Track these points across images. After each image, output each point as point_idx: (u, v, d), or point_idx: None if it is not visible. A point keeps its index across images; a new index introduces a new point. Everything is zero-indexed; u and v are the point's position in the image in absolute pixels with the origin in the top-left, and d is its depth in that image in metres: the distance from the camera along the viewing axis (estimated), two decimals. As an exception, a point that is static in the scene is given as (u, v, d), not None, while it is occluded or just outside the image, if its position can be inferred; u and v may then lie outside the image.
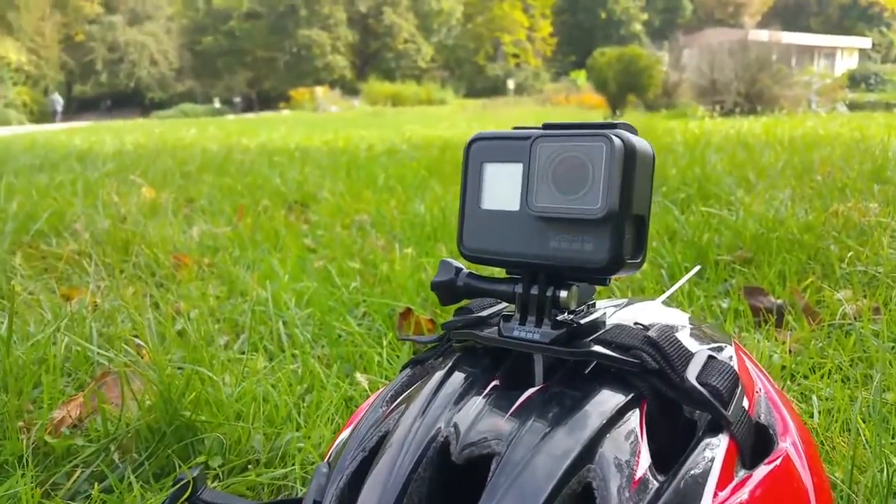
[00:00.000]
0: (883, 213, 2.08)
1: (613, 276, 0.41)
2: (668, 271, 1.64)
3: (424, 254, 1.85)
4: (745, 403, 0.43)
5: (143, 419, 0.96)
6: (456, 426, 0.37)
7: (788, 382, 1.16)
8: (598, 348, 0.40)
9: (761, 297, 1.46)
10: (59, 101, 36.47)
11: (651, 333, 0.41)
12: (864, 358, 1.23)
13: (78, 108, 44.84)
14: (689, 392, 0.39)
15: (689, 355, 0.41)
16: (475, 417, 0.38)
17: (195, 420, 0.93)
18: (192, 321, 1.46)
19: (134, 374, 1.09)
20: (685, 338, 0.50)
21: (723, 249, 1.74)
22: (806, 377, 1.19)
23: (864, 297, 1.50)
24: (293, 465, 0.89)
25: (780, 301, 1.45)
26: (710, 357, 0.42)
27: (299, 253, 1.94)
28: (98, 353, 1.18)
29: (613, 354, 0.40)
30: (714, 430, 0.39)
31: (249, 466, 0.92)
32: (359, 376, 1.11)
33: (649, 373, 0.39)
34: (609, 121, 0.41)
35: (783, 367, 1.19)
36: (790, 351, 1.29)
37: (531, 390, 0.39)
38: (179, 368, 1.18)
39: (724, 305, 1.47)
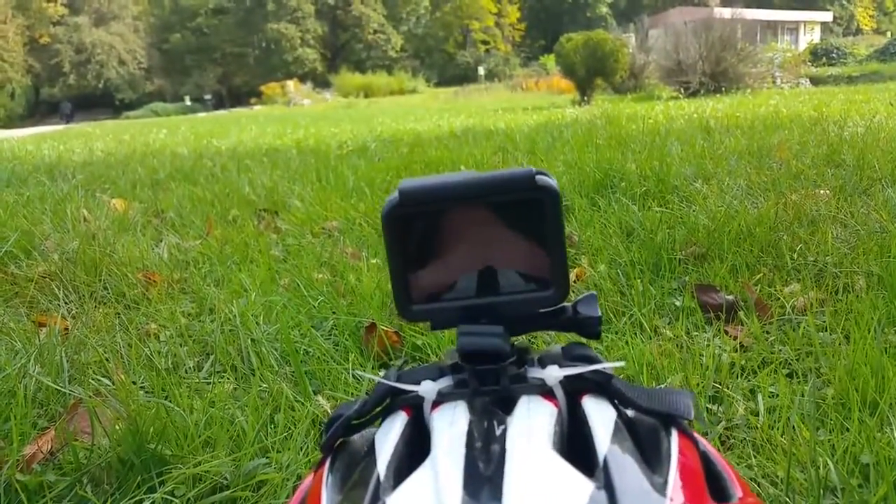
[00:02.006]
0: (833, 199, 2.15)
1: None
2: (625, 270, 1.69)
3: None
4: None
5: (114, 450, 0.99)
6: None
7: (738, 380, 1.21)
8: None
9: (713, 294, 1.52)
10: (67, 106, 41.02)
11: None
12: (811, 352, 1.29)
13: (46, 110, 44.21)
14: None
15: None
16: None
17: (162, 452, 0.96)
18: (163, 343, 1.49)
19: (105, 404, 1.12)
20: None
21: (677, 246, 1.79)
22: (755, 372, 1.24)
23: (813, 289, 1.56)
24: (262, 488, 0.93)
25: (731, 297, 1.50)
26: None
27: (269, 265, 1.97)
28: (69, 386, 1.21)
29: None
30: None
31: (218, 490, 0.95)
32: (321, 399, 1.15)
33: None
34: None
35: (732, 365, 1.25)
36: (742, 346, 1.34)
37: None
38: (150, 394, 1.22)
39: (678, 304, 1.52)
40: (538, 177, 0.35)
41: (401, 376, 0.39)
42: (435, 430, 0.33)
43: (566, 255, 0.36)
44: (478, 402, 0.34)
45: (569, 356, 0.37)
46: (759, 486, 0.93)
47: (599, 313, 0.38)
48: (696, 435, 0.35)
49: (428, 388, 0.36)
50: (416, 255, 0.37)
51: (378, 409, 0.38)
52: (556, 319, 0.39)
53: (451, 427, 0.32)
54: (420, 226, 0.37)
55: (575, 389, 0.36)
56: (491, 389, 0.35)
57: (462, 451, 0.30)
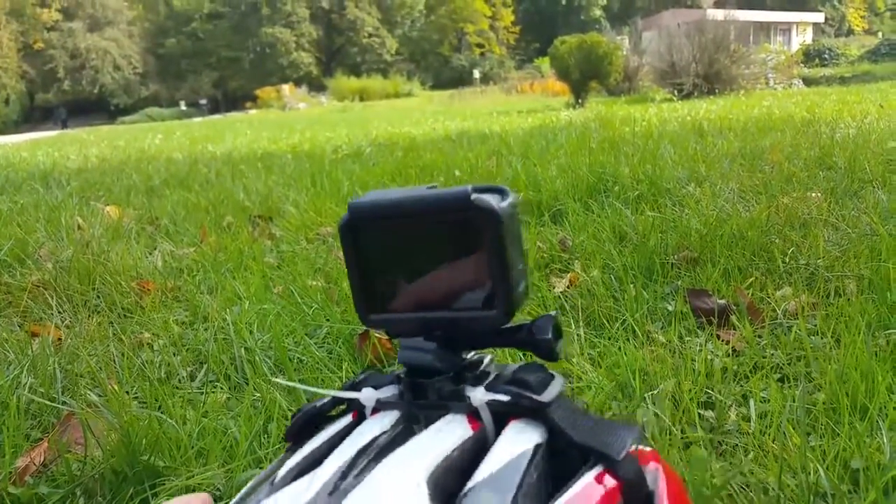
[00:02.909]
0: (825, 202, 2.16)
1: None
2: (617, 275, 1.70)
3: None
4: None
5: (107, 462, 0.99)
6: None
7: (730, 385, 1.22)
8: None
9: (705, 298, 1.52)
10: (63, 112, 41.39)
11: None
12: (802, 356, 1.29)
13: (41, 116, 44.18)
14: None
15: None
16: None
17: (155, 464, 0.96)
18: (156, 352, 1.49)
19: (98, 415, 1.12)
20: None
21: (669, 251, 1.80)
22: (747, 377, 1.25)
23: (805, 292, 1.57)
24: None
25: (723, 301, 1.51)
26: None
27: (263, 273, 1.97)
28: (62, 397, 1.21)
29: None
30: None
31: (212, 502, 0.96)
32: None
33: None
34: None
35: (724, 370, 1.25)
36: (734, 351, 1.35)
37: None
38: (143, 404, 1.22)
39: (670, 309, 1.52)
40: (475, 196, 0.34)
41: (364, 380, 0.40)
42: (350, 435, 0.35)
43: (511, 275, 0.34)
44: (407, 415, 0.36)
45: (514, 377, 0.36)
46: (751, 492, 0.93)
47: (551, 335, 0.37)
48: (647, 473, 0.33)
49: (367, 395, 0.38)
50: (375, 266, 0.38)
51: (339, 408, 0.40)
52: (512, 338, 0.38)
53: (360, 435, 0.34)
54: (373, 239, 0.38)
55: (509, 412, 0.35)
56: (424, 403, 0.36)
57: (349, 459, 0.31)
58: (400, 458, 0.31)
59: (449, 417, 0.35)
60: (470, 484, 0.29)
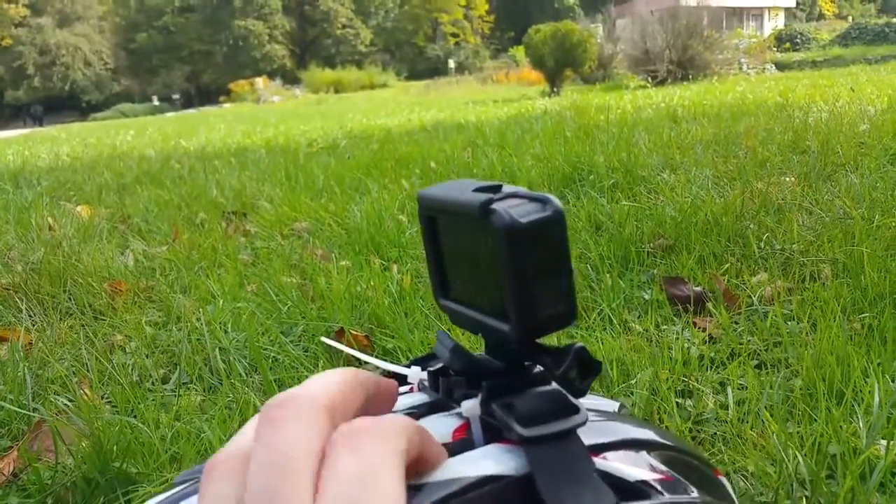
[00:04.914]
0: (798, 186, 2.17)
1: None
2: (594, 265, 1.70)
3: (359, 266, 1.88)
4: None
5: (79, 470, 0.97)
6: None
7: (707, 372, 1.22)
8: None
9: (681, 286, 1.52)
10: (38, 109, 41.27)
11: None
12: (779, 342, 1.30)
13: (11, 114, 43.51)
14: None
15: None
16: None
17: (127, 470, 0.95)
18: (129, 354, 1.46)
19: (69, 421, 1.10)
20: None
21: (645, 239, 1.80)
22: (724, 364, 1.25)
23: (781, 278, 1.57)
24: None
25: (699, 288, 1.51)
26: None
27: (237, 270, 1.95)
28: (32, 403, 1.18)
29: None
30: None
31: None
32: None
33: None
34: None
35: (701, 357, 1.25)
36: (710, 338, 1.35)
37: None
38: (115, 408, 1.20)
39: (647, 297, 1.52)
40: (494, 205, 0.31)
41: (425, 358, 0.42)
42: None
43: (525, 294, 0.31)
44: (431, 402, 0.36)
45: (530, 396, 0.33)
46: (730, 479, 0.93)
47: (575, 372, 0.33)
48: None
49: (413, 373, 0.38)
50: (444, 252, 0.37)
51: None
52: (539, 359, 0.35)
53: None
54: (439, 227, 0.37)
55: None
56: (438, 395, 0.36)
57: None
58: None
59: (441, 417, 0.34)
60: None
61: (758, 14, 34.66)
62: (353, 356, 1.36)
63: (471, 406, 0.33)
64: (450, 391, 0.35)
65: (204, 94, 45.39)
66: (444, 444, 0.31)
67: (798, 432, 1.00)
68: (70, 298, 1.83)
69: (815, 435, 0.96)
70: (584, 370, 0.33)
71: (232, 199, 3.05)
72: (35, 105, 42.05)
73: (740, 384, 1.16)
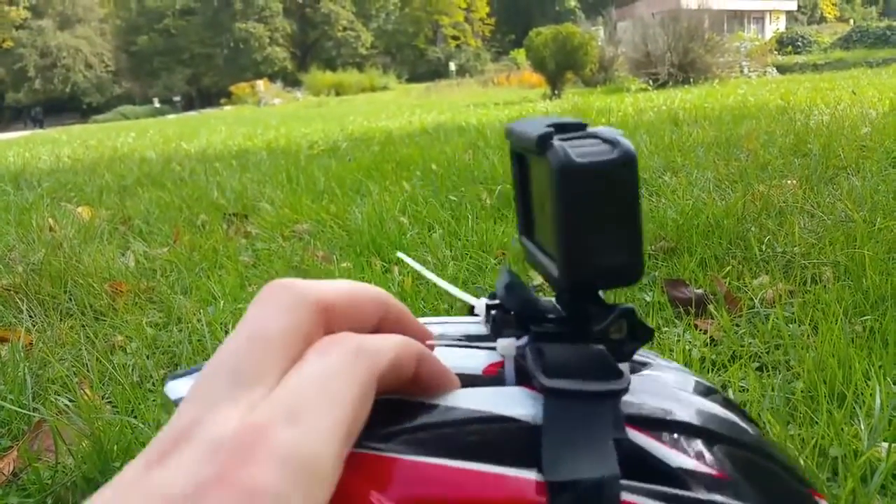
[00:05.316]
0: (800, 189, 2.17)
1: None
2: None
3: (360, 268, 1.88)
4: None
5: (79, 470, 0.97)
6: None
7: (709, 374, 1.22)
8: None
9: (682, 288, 1.52)
10: (39, 111, 41.55)
11: None
12: (780, 344, 1.29)
13: (12, 116, 43.58)
14: None
15: None
16: None
17: (128, 470, 0.94)
18: (129, 355, 1.46)
19: (69, 421, 1.10)
20: None
21: (646, 241, 1.80)
22: (725, 367, 1.25)
23: (782, 280, 1.57)
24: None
25: (700, 291, 1.51)
26: None
27: (238, 272, 1.95)
28: (33, 403, 1.18)
29: None
30: None
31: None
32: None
33: None
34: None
35: (703, 359, 1.25)
36: (712, 340, 1.35)
37: None
38: (116, 408, 1.20)
39: (648, 299, 1.52)
40: (553, 141, 0.29)
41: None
42: (451, 322, 0.38)
43: (574, 241, 0.28)
44: (489, 333, 0.35)
45: (567, 349, 0.31)
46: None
47: (624, 333, 0.31)
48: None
49: (479, 304, 0.37)
50: (528, 191, 0.36)
51: None
52: (585, 312, 0.32)
53: (452, 325, 0.36)
54: (526, 164, 0.35)
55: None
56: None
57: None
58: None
59: (477, 351, 0.33)
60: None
61: (759, 17, 34.70)
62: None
63: (506, 345, 0.31)
64: (499, 329, 0.33)
65: (205, 97, 45.45)
66: (471, 377, 0.31)
67: (799, 434, 1.00)
68: (71, 299, 1.83)
69: (817, 437, 0.96)
70: (632, 334, 0.31)
71: (233, 201, 3.06)
72: (36, 107, 42.14)
73: (742, 386, 1.16)
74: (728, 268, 1.64)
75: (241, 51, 46.80)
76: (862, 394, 1.06)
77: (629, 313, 0.30)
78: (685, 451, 0.29)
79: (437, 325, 0.36)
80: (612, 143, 0.29)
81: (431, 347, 0.31)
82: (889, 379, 1.09)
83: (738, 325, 1.39)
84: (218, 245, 2.25)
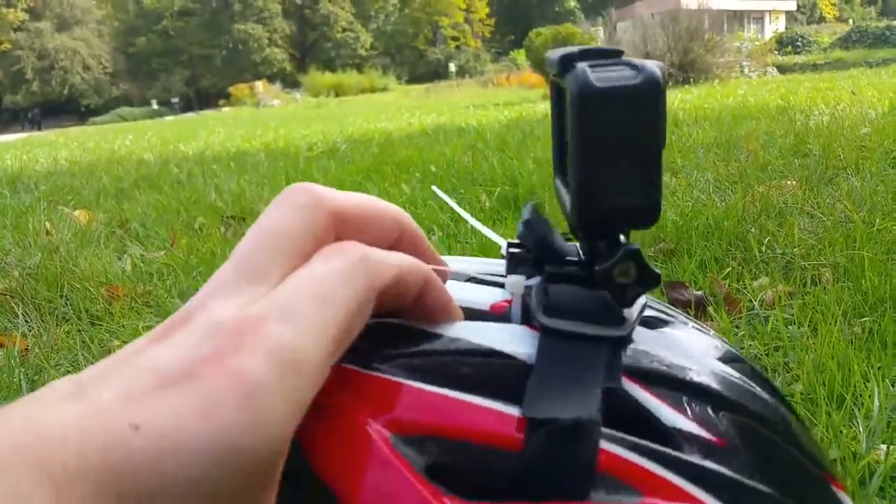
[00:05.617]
0: (800, 190, 2.16)
1: None
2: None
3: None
4: None
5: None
6: None
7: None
8: None
9: (682, 290, 1.52)
10: (37, 113, 41.25)
11: None
12: (780, 346, 1.29)
13: (9, 119, 43.60)
14: None
15: None
16: None
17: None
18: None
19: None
20: None
21: (646, 243, 1.79)
22: (724, 369, 1.24)
23: (782, 282, 1.56)
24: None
25: (700, 292, 1.50)
26: None
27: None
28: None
29: None
30: None
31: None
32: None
33: None
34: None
35: (701, 362, 1.24)
36: (711, 342, 1.34)
37: None
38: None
39: (648, 302, 1.51)
40: (576, 63, 0.27)
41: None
42: (481, 261, 0.37)
43: (587, 172, 0.27)
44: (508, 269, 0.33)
45: (570, 290, 0.29)
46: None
47: (632, 275, 0.28)
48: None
49: (502, 242, 0.36)
50: (563, 128, 0.33)
51: None
52: (592, 252, 0.30)
53: (483, 264, 0.36)
54: (560, 96, 0.33)
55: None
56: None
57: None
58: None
59: (486, 287, 0.33)
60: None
61: (759, 17, 34.72)
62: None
63: (514, 282, 0.30)
64: (514, 267, 0.32)
65: (203, 98, 45.47)
66: (478, 312, 0.30)
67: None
68: (67, 303, 1.83)
69: (816, 439, 0.96)
70: (638, 279, 0.28)
71: (231, 204, 3.05)
72: (33, 109, 42.17)
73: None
74: (728, 269, 1.64)
75: (240, 52, 46.82)
76: (861, 396, 1.06)
77: (635, 254, 0.28)
78: (685, 412, 0.28)
79: (458, 262, 0.36)
80: (639, 68, 0.27)
81: (444, 278, 0.30)
82: (888, 381, 1.08)
83: (737, 327, 1.39)
84: (216, 248, 2.24)
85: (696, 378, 0.29)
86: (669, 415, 0.27)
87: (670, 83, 10.97)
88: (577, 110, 0.26)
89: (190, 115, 30.97)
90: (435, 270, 0.29)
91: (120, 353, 0.21)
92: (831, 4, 52.00)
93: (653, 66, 0.26)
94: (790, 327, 1.34)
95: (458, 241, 2.05)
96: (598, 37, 14.32)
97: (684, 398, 0.28)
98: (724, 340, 0.36)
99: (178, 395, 0.19)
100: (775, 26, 33.14)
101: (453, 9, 48.95)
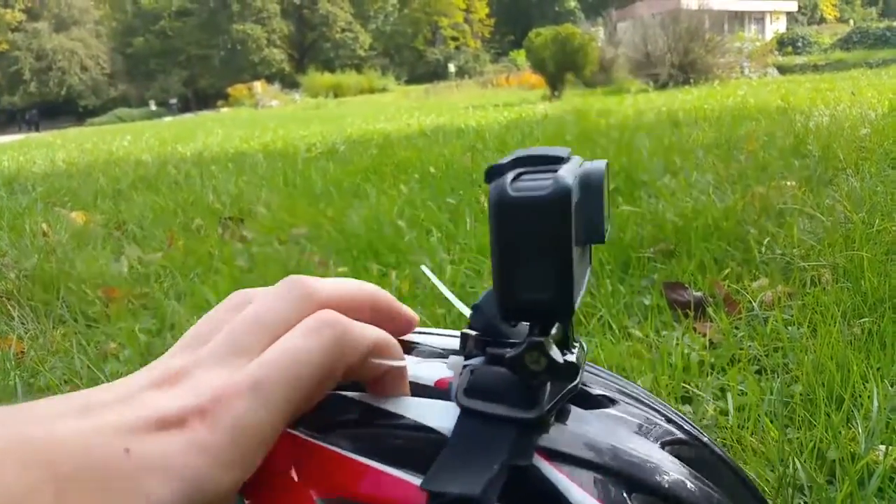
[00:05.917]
0: (799, 191, 2.16)
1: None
2: (594, 270, 1.68)
3: (357, 272, 1.87)
4: None
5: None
6: None
7: (707, 378, 1.20)
8: None
9: (681, 291, 1.51)
10: (35, 114, 41.34)
11: None
12: (779, 347, 1.28)
13: (6, 120, 43.57)
14: None
15: None
16: None
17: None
18: (122, 363, 1.45)
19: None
20: None
21: (645, 244, 1.78)
22: (724, 370, 1.23)
23: (781, 282, 1.56)
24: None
25: (699, 293, 1.49)
26: None
27: (233, 277, 1.93)
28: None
29: None
30: None
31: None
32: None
33: None
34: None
35: (701, 363, 1.24)
36: (711, 343, 1.34)
37: None
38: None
39: (647, 302, 1.51)
40: (500, 173, 0.29)
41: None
42: (438, 334, 0.39)
43: (504, 274, 0.29)
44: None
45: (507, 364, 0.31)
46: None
47: (542, 363, 0.29)
48: None
49: (467, 314, 0.37)
50: None
51: None
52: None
53: (436, 336, 0.38)
54: None
55: None
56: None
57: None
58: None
59: (435, 363, 0.34)
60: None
61: (759, 17, 34.74)
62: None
63: (453, 362, 0.33)
64: (463, 346, 0.34)
65: (202, 99, 45.42)
66: (423, 387, 0.32)
67: (797, 438, 0.99)
68: (63, 306, 1.82)
69: (815, 440, 0.95)
70: (551, 371, 0.29)
71: (229, 205, 3.04)
72: (31, 110, 42.12)
73: (740, 390, 1.15)
74: (727, 270, 1.63)
75: (239, 52, 46.79)
76: (860, 396, 1.05)
77: (539, 346, 0.29)
78: (594, 493, 0.28)
79: (424, 335, 0.38)
80: (555, 179, 0.28)
81: (406, 350, 0.34)
82: (887, 381, 1.07)
83: (737, 328, 1.38)
84: (213, 250, 2.24)
85: (612, 459, 0.30)
86: (574, 493, 0.28)
87: (670, 83, 10.98)
88: (492, 216, 0.29)
89: (188, 115, 30.95)
90: (399, 341, 0.32)
91: (123, 389, 0.26)
92: (832, 5, 52.03)
93: (567, 176, 0.28)
94: (789, 328, 1.34)
95: (457, 242, 2.04)
96: (599, 37, 14.32)
97: (596, 478, 0.29)
98: (686, 420, 0.36)
99: (168, 437, 0.23)
100: (776, 27, 33.15)
101: (453, 9, 48.95)
